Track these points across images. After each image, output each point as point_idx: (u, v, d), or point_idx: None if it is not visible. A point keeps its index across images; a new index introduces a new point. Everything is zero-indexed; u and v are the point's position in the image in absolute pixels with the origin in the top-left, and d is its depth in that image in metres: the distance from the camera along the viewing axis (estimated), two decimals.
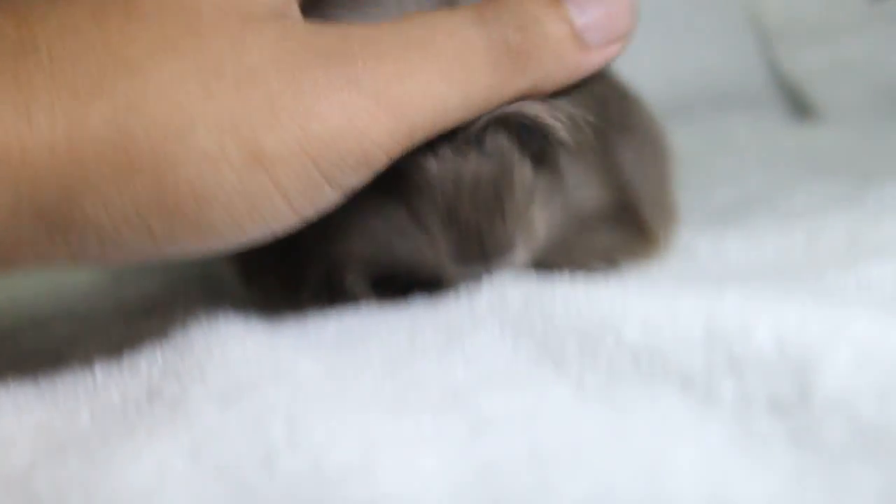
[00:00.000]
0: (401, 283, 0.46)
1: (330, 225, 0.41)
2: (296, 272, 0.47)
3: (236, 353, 0.37)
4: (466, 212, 0.40)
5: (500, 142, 0.41)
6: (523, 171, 0.42)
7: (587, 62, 0.40)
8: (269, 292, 0.48)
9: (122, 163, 0.34)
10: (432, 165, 0.40)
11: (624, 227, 0.50)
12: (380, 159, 0.37)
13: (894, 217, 0.50)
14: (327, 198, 0.37)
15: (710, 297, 0.33)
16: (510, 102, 0.39)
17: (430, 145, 0.40)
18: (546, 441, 0.30)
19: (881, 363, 0.26)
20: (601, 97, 0.45)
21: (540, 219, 0.44)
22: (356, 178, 0.37)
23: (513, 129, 0.42)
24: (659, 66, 0.99)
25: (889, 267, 0.43)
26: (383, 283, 0.48)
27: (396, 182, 0.41)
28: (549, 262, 0.47)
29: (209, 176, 0.34)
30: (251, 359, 0.37)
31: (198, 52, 0.35)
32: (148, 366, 0.39)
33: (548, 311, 0.39)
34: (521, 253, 0.43)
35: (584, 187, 0.46)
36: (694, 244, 0.53)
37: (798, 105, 1.09)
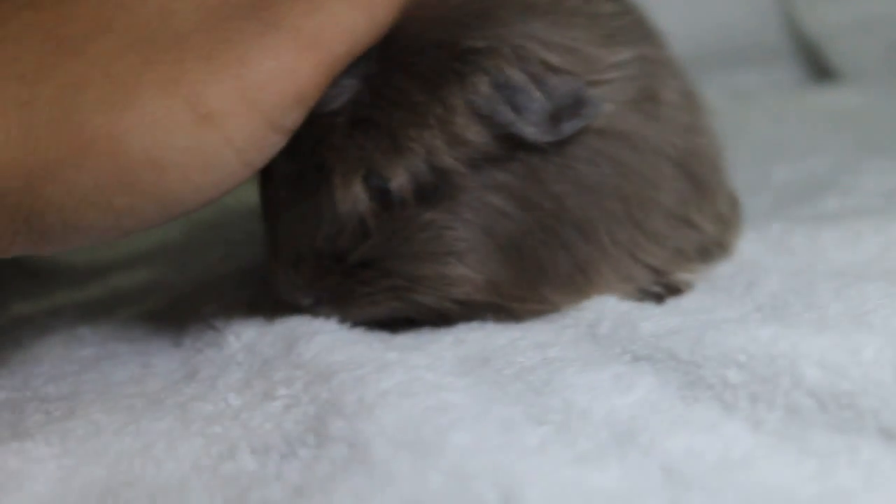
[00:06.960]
0: None
1: None
2: None
3: (385, 379, 0.36)
4: None
5: None
6: None
7: None
8: None
9: (76, 142, 0.34)
10: None
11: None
12: (312, 95, 0.38)
13: None
14: (273, 143, 0.38)
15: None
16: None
17: None
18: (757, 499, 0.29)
19: None
20: None
21: None
22: (295, 117, 0.38)
23: None
24: (676, 19, 0.97)
25: None
26: None
27: None
28: None
29: (163, 142, 0.35)
30: (405, 391, 0.36)
31: (130, 26, 0.37)
32: (287, 390, 0.38)
33: (693, 339, 0.38)
34: None
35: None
36: (788, 238, 0.52)
37: (816, 63, 1.08)
